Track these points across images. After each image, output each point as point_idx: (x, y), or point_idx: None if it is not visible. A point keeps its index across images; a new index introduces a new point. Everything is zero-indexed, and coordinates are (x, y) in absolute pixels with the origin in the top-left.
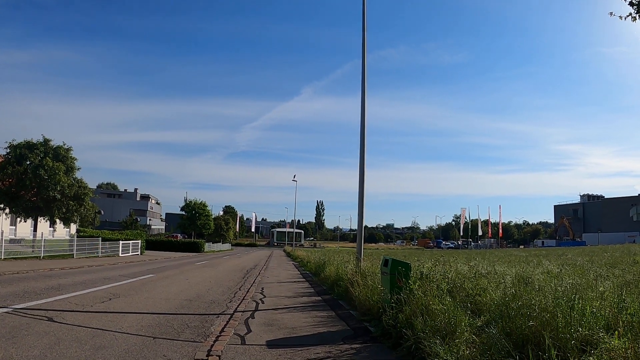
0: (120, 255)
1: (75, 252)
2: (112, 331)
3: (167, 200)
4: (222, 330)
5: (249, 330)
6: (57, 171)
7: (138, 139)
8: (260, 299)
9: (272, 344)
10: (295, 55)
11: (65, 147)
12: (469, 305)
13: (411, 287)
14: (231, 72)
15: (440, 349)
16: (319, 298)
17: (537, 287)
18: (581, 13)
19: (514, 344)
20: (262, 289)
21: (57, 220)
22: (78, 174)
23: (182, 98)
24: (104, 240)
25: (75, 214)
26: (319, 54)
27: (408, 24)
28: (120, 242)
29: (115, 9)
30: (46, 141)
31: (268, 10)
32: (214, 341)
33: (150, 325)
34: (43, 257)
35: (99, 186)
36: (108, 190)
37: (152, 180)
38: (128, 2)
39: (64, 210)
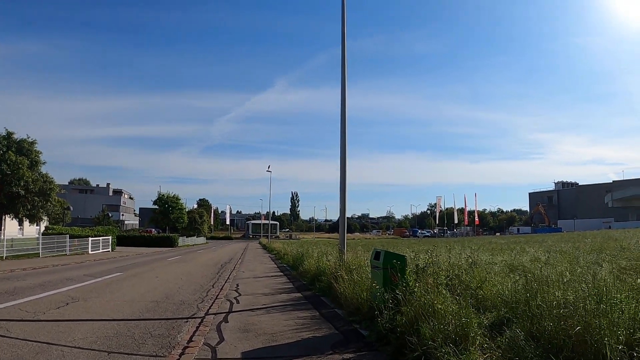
0: (89, 252)
1: (41, 251)
2: (61, 345)
3: (142, 195)
4: (191, 340)
5: (222, 339)
6: (20, 165)
7: (111, 134)
8: (235, 298)
9: (248, 357)
10: (268, 46)
11: (30, 140)
12: (470, 300)
13: (410, 283)
14: (204, 63)
15: None
16: (300, 295)
17: (548, 278)
18: (553, 2)
19: (545, 350)
20: (237, 285)
21: (23, 218)
22: (43, 169)
23: (155, 91)
24: (72, 237)
25: (41, 210)
26: (293, 44)
27: (382, 13)
28: (90, 238)
29: (87, 1)
30: (9, 134)
31: (240, 0)
32: (180, 355)
33: (108, 335)
34: (6, 257)
35: (70, 182)
36: (80, 186)
37: (127, 176)
38: None
39: (29, 206)
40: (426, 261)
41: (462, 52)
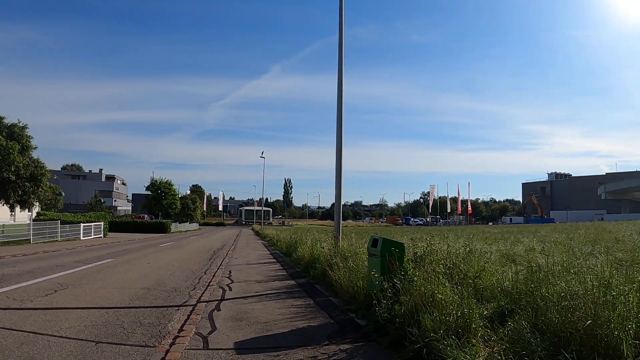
0: (81, 238)
1: (31, 237)
2: (47, 335)
3: (135, 181)
4: (182, 329)
5: (214, 328)
6: (11, 150)
7: (104, 119)
8: (228, 285)
9: (241, 347)
10: (264, 33)
11: (21, 124)
12: (469, 289)
13: (409, 272)
14: (199, 50)
15: (459, 353)
16: (293, 282)
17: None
18: None
19: (552, 344)
20: (230, 272)
21: (14, 204)
22: (35, 154)
23: (148, 77)
24: (63, 223)
25: (33, 196)
26: (289, 32)
27: (377, 1)
28: (82, 224)
29: None
30: (0, 119)
31: None
32: (170, 345)
33: (96, 324)
34: None
35: (63, 168)
36: (72, 172)
37: (120, 161)
38: None
39: (19, 192)
40: (424, 249)
41: (459, 43)
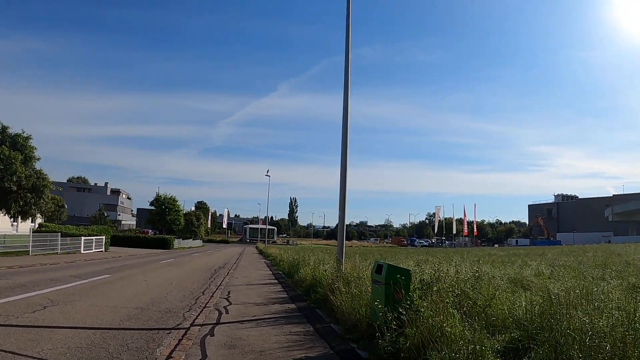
0: (82, 252)
1: (30, 249)
2: (27, 356)
3: (140, 196)
4: (170, 355)
5: (204, 356)
6: (13, 160)
7: (111, 133)
8: (225, 307)
9: None
10: (272, 52)
11: (25, 135)
12: (477, 319)
13: (415, 302)
14: (207, 67)
15: None
16: (294, 306)
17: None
18: (555, 16)
19: None
20: (229, 293)
21: (15, 214)
22: (38, 165)
23: (156, 92)
24: (64, 235)
25: (34, 207)
26: (296, 50)
27: (383, 22)
28: (83, 237)
29: (91, 1)
30: (3, 128)
31: (244, 6)
32: None
33: (80, 346)
34: None
35: (69, 180)
36: (78, 184)
37: (125, 175)
38: None
39: (21, 203)
40: (432, 276)
41: (465, 63)
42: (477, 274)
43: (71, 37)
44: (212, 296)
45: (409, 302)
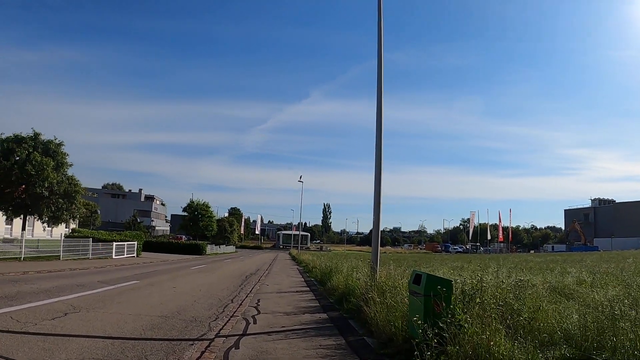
0: (113, 257)
1: (62, 254)
2: None
3: (174, 202)
4: None
5: None
6: (45, 167)
7: (146, 140)
8: (253, 317)
9: None
10: (304, 59)
11: (57, 141)
12: (527, 336)
13: (458, 316)
14: (240, 75)
15: None
16: (325, 315)
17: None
18: (590, 16)
19: None
20: (258, 301)
21: (47, 220)
22: (70, 171)
23: (190, 100)
24: (96, 241)
25: (66, 212)
26: (328, 57)
27: (416, 27)
28: (114, 243)
29: (125, 10)
30: (36, 135)
31: (276, 13)
32: None
33: (95, 358)
34: (24, 259)
35: (104, 186)
36: (112, 191)
37: (159, 182)
38: (138, 4)
39: (52, 208)
40: (473, 286)
41: (498, 66)
42: (519, 283)
43: (105, 46)
44: (240, 304)
45: (450, 316)
